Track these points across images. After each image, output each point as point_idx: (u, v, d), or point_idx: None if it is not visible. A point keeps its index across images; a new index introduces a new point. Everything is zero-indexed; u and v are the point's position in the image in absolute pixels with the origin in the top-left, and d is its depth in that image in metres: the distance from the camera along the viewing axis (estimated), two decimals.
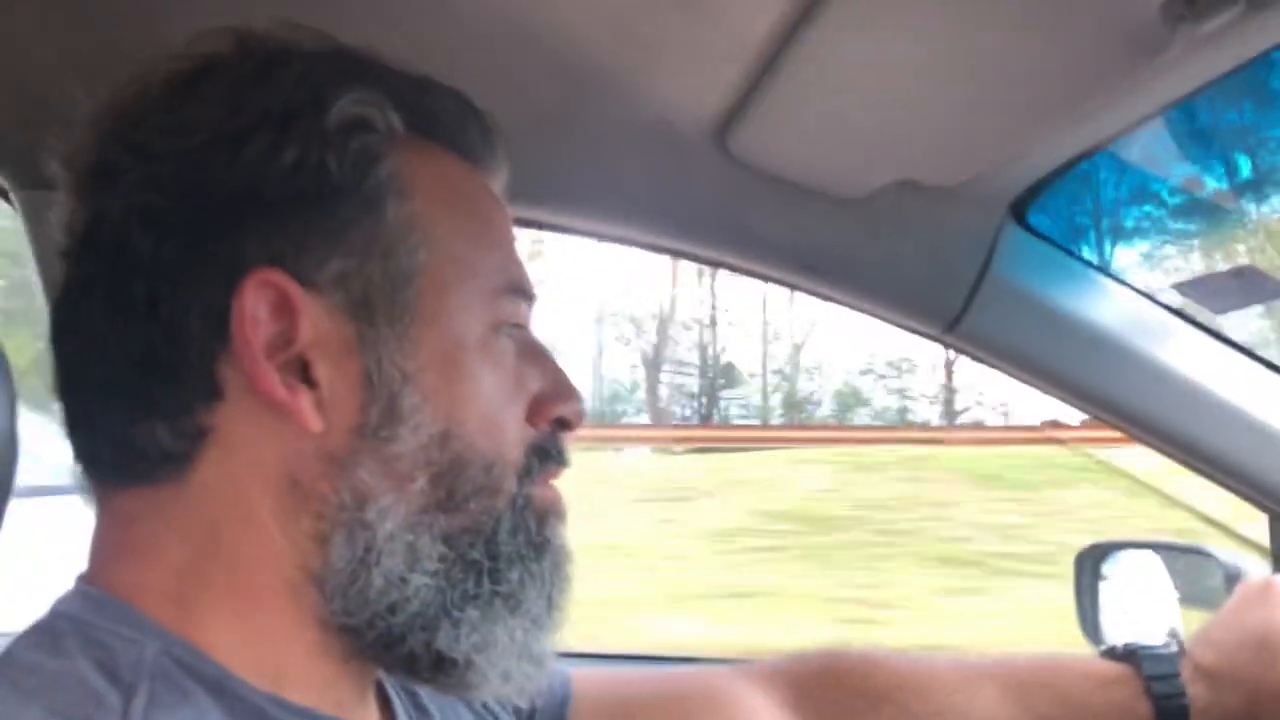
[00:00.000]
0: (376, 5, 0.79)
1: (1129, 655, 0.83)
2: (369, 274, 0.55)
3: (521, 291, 0.60)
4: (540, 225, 0.97)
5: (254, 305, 0.53)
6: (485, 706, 0.71)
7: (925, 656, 0.88)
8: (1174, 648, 0.83)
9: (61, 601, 0.55)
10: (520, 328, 0.60)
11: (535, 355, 0.61)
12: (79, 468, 0.57)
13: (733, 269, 1.00)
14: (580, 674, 0.80)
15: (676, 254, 1.01)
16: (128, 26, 0.79)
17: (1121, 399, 1.02)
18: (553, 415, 0.61)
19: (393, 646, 0.55)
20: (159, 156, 0.54)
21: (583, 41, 0.83)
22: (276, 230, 0.54)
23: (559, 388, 0.61)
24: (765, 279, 1.01)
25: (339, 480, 0.54)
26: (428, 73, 0.61)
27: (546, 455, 0.60)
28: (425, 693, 0.67)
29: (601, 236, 1.00)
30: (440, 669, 0.56)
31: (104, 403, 0.55)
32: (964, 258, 0.98)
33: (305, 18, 0.65)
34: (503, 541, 0.56)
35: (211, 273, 0.53)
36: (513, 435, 0.58)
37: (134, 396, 0.54)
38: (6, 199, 0.98)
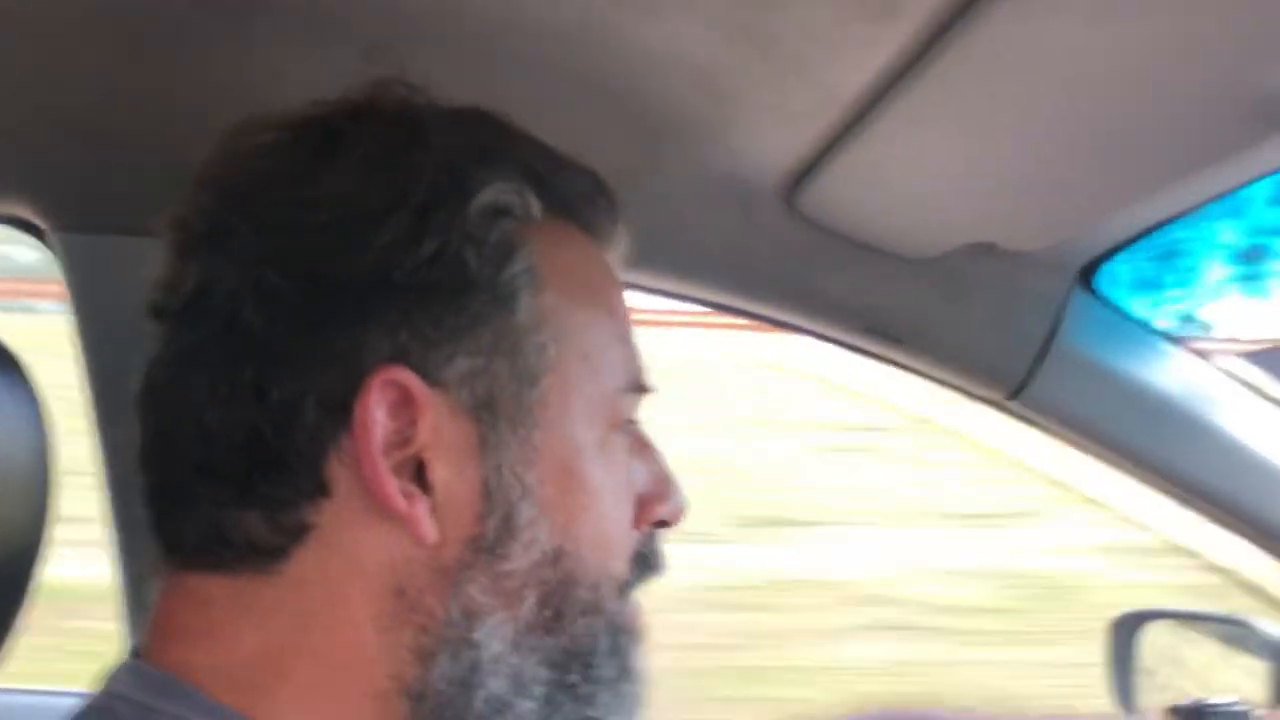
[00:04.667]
0: (451, 57, 0.76)
1: (1198, 713, 0.84)
2: (495, 372, 0.51)
3: (642, 388, 0.57)
4: None
5: (377, 403, 0.49)
6: None
7: (986, 714, 0.86)
8: (1243, 708, 0.81)
9: (115, 681, 0.51)
10: (633, 423, 0.57)
11: (642, 451, 0.58)
12: (157, 543, 0.53)
13: (795, 329, 0.98)
14: None
15: (739, 312, 0.98)
16: (196, 66, 0.76)
17: (1185, 470, 1.00)
18: (657, 517, 0.57)
19: None
20: (281, 229, 0.50)
21: (661, 96, 0.80)
22: (404, 323, 0.50)
23: (664, 486, 0.58)
24: (827, 339, 0.98)
25: (448, 595, 0.50)
26: None
27: (646, 564, 0.57)
28: None
29: (662, 293, 0.97)
30: None
31: (196, 483, 0.50)
32: (1031, 323, 0.95)
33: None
34: (599, 665, 0.53)
35: (331, 363, 0.49)
36: (622, 549, 0.55)
37: (230, 482, 0.50)
38: (37, 235, 0.94)
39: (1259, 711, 0.83)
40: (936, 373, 0.98)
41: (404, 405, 0.49)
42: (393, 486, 0.49)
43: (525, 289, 0.52)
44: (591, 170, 0.58)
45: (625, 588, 0.55)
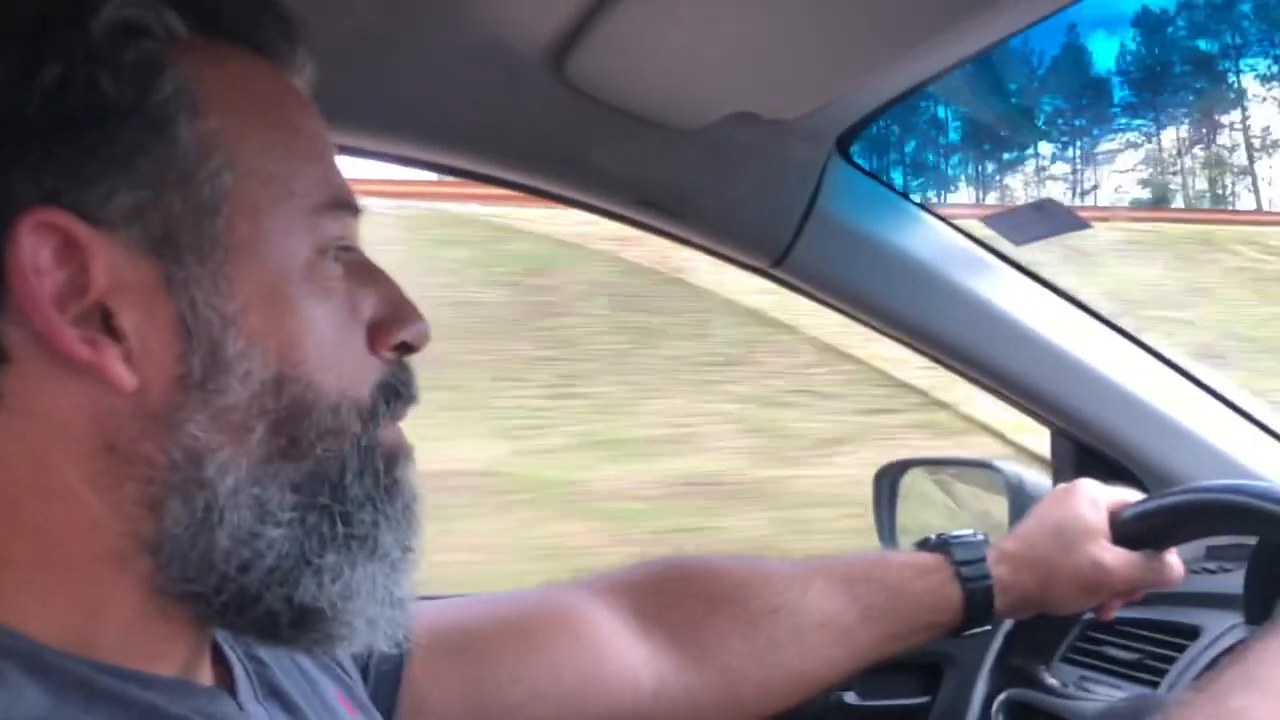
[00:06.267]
0: None
1: (941, 545, 0.90)
2: (168, 205, 0.48)
3: (346, 205, 0.54)
4: (361, 152, 0.90)
5: (33, 252, 0.45)
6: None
7: (757, 558, 0.91)
8: (980, 537, 0.90)
9: None
10: (348, 248, 0.55)
11: (367, 276, 0.56)
12: None
13: (567, 202, 0.97)
14: (417, 608, 0.77)
15: (508, 184, 0.96)
16: None
17: (933, 328, 1.07)
18: (394, 341, 0.56)
19: (247, 607, 0.50)
20: None
21: None
22: (47, 162, 0.46)
23: (397, 309, 0.56)
24: (600, 212, 0.98)
25: (165, 439, 0.48)
26: None
27: (395, 393, 0.55)
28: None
29: (428, 165, 0.94)
30: (303, 624, 0.52)
31: None
32: (793, 191, 0.99)
33: None
34: (350, 485, 0.52)
35: None
36: (355, 370, 0.53)
37: None
38: None
39: (995, 540, 0.92)
40: (706, 243, 1.01)
41: (69, 250, 0.46)
42: (71, 337, 0.46)
43: (182, 113, 0.48)
44: None
45: (373, 413, 0.54)
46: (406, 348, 0.57)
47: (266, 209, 0.50)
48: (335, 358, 0.52)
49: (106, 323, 0.47)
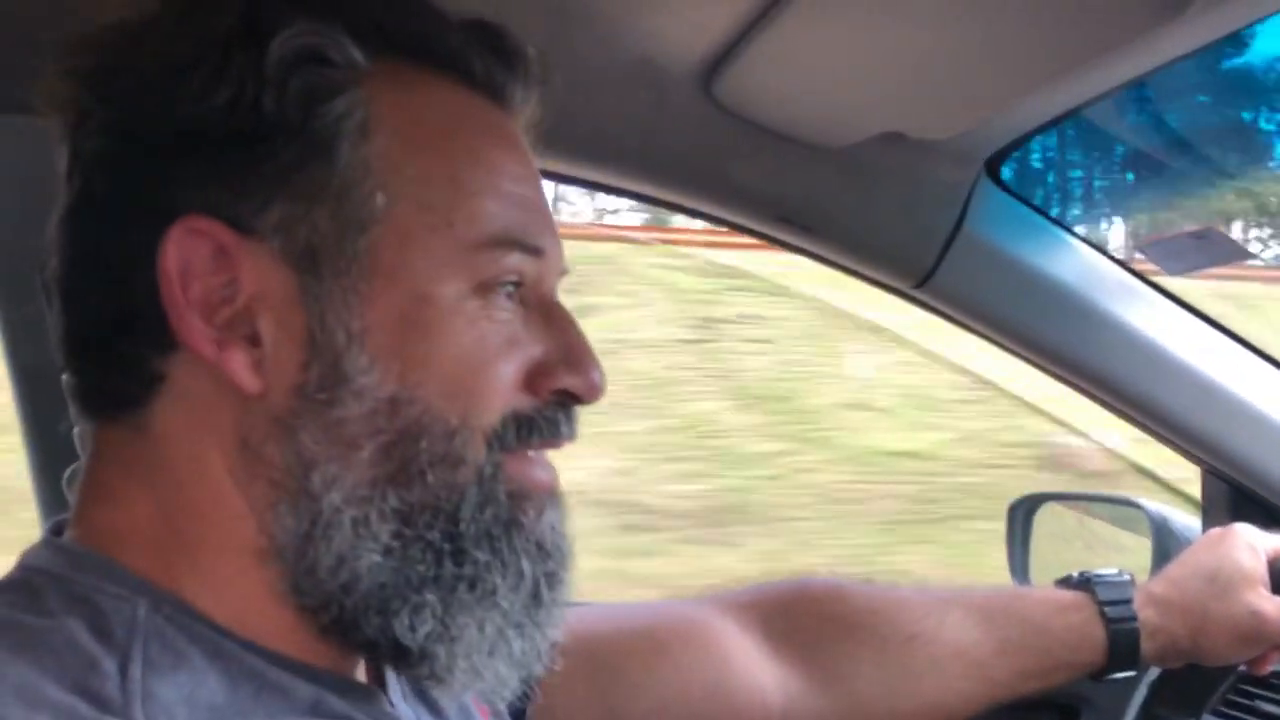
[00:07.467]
0: None
1: (1084, 583, 0.87)
2: (315, 220, 0.50)
3: (518, 244, 0.53)
4: None
5: (183, 255, 0.49)
6: None
7: (891, 585, 0.89)
8: (1125, 577, 0.86)
9: (31, 555, 0.52)
10: (531, 286, 0.55)
11: (549, 318, 0.55)
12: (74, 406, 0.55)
13: (706, 218, 0.98)
14: None
15: (650, 200, 0.97)
16: None
17: (1079, 356, 1.04)
18: (556, 385, 0.55)
19: (350, 630, 0.51)
20: (114, 98, 0.51)
21: None
22: (214, 174, 0.50)
23: (570, 356, 0.55)
24: (740, 229, 0.99)
25: (284, 444, 0.50)
26: None
27: (531, 427, 0.54)
28: None
29: (571, 180, 0.96)
30: (402, 657, 0.52)
31: (72, 342, 0.53)
32: (938, 213, 0.97)
33: None
34: (466, 518, 0.51)
35: (150, 219, 0.50)
36: (489, 400, 0.52)
37: (94, 339, 0.52)
38: None
39: (1140, 580, 0.88)
40: (846, 262, 1.00)
41: (221, 258, 0.50)
42: (200, 334, 0.49)
43: (346, 135, 0.51)
44: (481, 22, 0.56)
45: (500, 437, 0.52)
46: (570, 395, 0.56)
47: (418, 235, 0.51)
48: (466, 384, 0.52)
49: (254, 327, 0.50)
